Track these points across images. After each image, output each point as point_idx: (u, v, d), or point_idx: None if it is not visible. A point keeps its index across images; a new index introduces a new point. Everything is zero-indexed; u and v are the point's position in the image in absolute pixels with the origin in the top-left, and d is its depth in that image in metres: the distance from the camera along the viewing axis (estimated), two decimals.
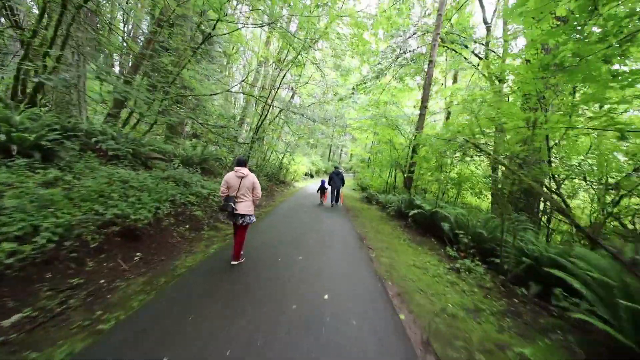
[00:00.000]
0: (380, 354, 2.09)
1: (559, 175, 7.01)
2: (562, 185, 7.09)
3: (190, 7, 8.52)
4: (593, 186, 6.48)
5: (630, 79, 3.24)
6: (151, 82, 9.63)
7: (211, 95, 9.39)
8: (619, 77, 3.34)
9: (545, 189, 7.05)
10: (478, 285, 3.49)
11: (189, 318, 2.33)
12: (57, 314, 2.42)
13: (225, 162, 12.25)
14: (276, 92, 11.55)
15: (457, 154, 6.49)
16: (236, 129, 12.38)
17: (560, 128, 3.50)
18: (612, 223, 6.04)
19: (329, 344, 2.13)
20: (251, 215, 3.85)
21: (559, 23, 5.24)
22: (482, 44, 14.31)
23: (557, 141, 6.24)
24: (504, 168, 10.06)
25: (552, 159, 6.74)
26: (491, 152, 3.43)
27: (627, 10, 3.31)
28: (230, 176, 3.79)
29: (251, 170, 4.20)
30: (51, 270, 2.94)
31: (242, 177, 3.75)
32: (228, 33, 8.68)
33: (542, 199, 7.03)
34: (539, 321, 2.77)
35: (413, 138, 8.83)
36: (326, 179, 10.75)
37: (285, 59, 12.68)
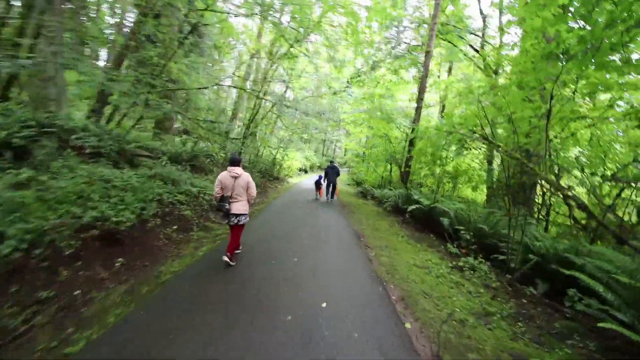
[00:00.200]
0: None
1: (558, 168, 6.90)
2: (560, 178, 7.00)
3: None
4: (589, 179, 6.38)
5: None
6: (136, 76, 9.19)
7: (200, 88, 8.97)
8: (634, 63, 3.15)
9: (545, 182, 6.96)
10: (484, 285, 3.32)
11: (169, 336, 2.08)
12: (20, 335, 2.15)
13: (216, 159, 11.88)
14: (268, 85, 11.17)
15: (455, 147, 6.30)
16: (227, 124, 11.99)
17: (569, 119, 3.31)
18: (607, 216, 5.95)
19: None
20: (245, 215, 3.77)
21: (561, 11, 5.03)
22: (478, 35, 14.13)
23: (555, 134, 6.10)
24: (499, 161, 9.98)
25: (550, 151, 6.62)
26: (500, 144, 3.23)
27: None
28: (224, 176, 3.73)
29: (244, 167, 4.06)
30: (18, 282, 2.64)
31: (236, 177, 3.68)
32: (216, 23, 8.24)
33: (544, 191, 6.88)
34: (554, 325, 2.60)
35: (410, 131, 8.62)
36: (322, 174, 10.60)
37: (277, 52, 12.26)
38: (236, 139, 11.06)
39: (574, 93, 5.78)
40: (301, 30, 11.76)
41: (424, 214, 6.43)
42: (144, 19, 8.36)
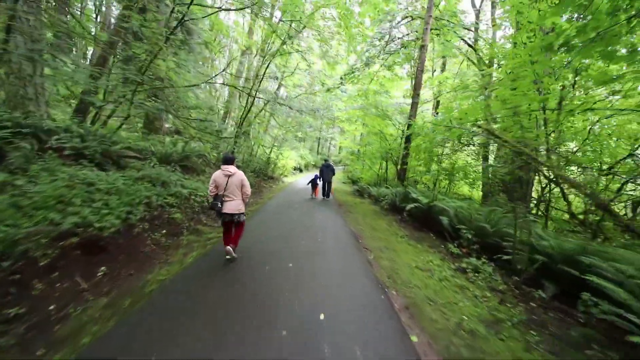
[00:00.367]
0: None
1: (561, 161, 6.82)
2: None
3: None
4: (586, 173, 6.32)
5: None
6: (123, 74, 8.84)
7: (188, 87, 8.66)
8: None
9: (543, 177, 6.87)
10: (490, 289, 3.16)
11: (151, 358, 1.87)
12: None
13: (209, 159, 11.58)
14: (260, 82, 10.90)
15: (452, 143, 6.15)
16: (219, 123, 11.69)
17: (577, 111, 3.17)
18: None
19: None
20: (241, 213, 3.78)
21: (557, 2, 4.91)
22: (471, 30, 14.04)
23: (557, 127, 6.00)
24: (493, 157, 9.91)
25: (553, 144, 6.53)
26: (508, 139, 3.08)
27: None
28: (217, 175, 3.71)
29: (237, 167, 4.00)
30: None
31: (229, 176, 3.67)
32: (205, 17, 7.93)
33: (543, 186, 6.78)
34: (569, 332, 2.45)
35: (406, 127, 8.46)
36: (317, 173, 10.60)
37: (270, 49, 11.97)
38: (228, 137, 10.77)
39: (573, 86, 5.69)
40: (293, 26, 11.53)
41: (422, 212, 6.28)
42: (128, 12, 8.01)
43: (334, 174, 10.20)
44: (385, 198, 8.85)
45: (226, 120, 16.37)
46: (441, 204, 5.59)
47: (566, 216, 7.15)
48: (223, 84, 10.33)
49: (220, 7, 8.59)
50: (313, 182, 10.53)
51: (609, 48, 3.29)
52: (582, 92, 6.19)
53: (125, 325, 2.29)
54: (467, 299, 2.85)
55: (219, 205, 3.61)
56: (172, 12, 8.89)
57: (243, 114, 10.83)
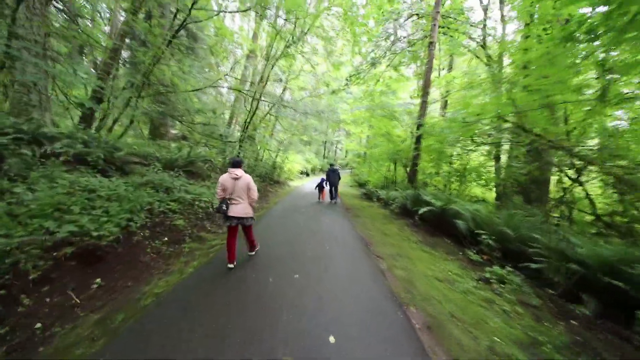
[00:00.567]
0: None
1: (579, 162, 6.41)
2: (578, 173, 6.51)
3: None
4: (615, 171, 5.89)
5: None
6: (127, 80, 8.82)
7: (192, 91, 8.57)
8: None
9: (566, 177, 6.46)
10: (521, 303, 2.83)
11: None
12: None
13: (215, 164, 11.46)
14: (264, 85, 10.77)
15: (465, 142, 5.82)
16: (223, 128, 11.60)
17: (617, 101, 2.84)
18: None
19: None
20: (249, 217, 3.79)
21: None
22: (479, 27, 13.69)
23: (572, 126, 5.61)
24: (506, 156, 9.47)
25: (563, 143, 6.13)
26: (540, 134, 2.77)
27: None
28: (224, 178, 3.70)
29: (244, 172, 3.92)
30: None
31: (236, 179, 3.66)
32: (207, 20, 7.84)
33: (564, 187, 6.37)
34: None
35: (416, 128, 8.16)
36: (324, 177, 10.68)
37: (275, 54, 11.86)
38: (232, 142, 10.64)
39: (596, 78, 5.32)
40: (297, 27, 11.43)
41: (436, 216, 5.95)
42: (134, 18, 8.00)
43: (340, 178, 10.29)
44: (394, 201, 8.53)
45: (232, 125, 16.31)
46: (456, 206, 5.26)
47: (588, 217, 6.72)
48: (227, 87, 10.23)
49: (223, 10, 8.50)
50: (320, 186, 10.69)
51: None
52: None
53: (112, 348, 2.06)
54: (497, 316, 2.52)
55: (224, 208, 3.59)
56: (175, 16, 8.85)
57: (248, 117, 10.70)
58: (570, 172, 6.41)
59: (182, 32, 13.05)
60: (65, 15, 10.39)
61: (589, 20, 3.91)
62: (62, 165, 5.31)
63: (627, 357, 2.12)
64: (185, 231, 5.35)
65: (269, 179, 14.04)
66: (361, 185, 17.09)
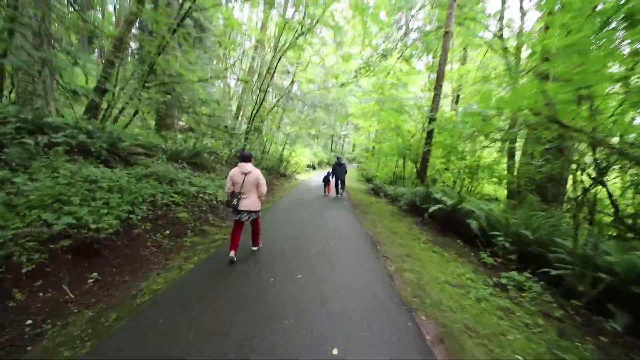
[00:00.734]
0: None
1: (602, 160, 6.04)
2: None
3: None
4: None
5: None
6: (134, 68, 8.71)
7: (197, 81, 8.40)
8: None
9: (587, 176, 6.09)
10: (542, 314, 2.59)
11: None
12: None
13: (220, 156, 11.36)
14: (272, 76, 10.53)
15: (481, 138, 5.51)
16: (230, 119, 11.44)
17: None
18: None
19: None
20: (256, 211, 3.83)
21: None
22: (495, 18, 13.07)
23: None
24: (519, 155, 9.03)
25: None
26: (581, 129, 2.48)
27: None
28: (234, 172, 3.73)
29: None
30: None
31: (246, 174, 3.67)
32: (213, 6, 7.60)
33: (584, 187, 6.01)
34: None
35: (428, 122, 7.82)
36: (330, 171, 10.51)
37: (283, 46, 11.57)
38: (238, 134, 10.48)
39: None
40: (307, 20, 11.12)
41: (446, 214, 5.70)
42: (139, 6, 7.81)
43: (346, 172, 10.14)
44: (403, 198, 8.27)
45: (239, 118, 16.17)
46: (469, 205, 4.99)
47: (606, 219, 6.36)
48: (234, 78, 10.03)
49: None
50: (326, 180, 10.57)
51: None
52: None
53: (102, 350, 1.94)
54: (516, 328, 2.30)
55: (234, 202, 3.62)
56: (181, 5, 8.64)
57: (254, 109, 10.51)
58: (592, 171, 6.04)
59: (190, 22, 12.86)
60: (72, 4, 10.30)
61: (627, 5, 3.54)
62: (65, 155, 5.25)
63: None
64: (188, 224, 5.25)
65: (276, 172, 13.90)
66: (368, 180, 16.82)
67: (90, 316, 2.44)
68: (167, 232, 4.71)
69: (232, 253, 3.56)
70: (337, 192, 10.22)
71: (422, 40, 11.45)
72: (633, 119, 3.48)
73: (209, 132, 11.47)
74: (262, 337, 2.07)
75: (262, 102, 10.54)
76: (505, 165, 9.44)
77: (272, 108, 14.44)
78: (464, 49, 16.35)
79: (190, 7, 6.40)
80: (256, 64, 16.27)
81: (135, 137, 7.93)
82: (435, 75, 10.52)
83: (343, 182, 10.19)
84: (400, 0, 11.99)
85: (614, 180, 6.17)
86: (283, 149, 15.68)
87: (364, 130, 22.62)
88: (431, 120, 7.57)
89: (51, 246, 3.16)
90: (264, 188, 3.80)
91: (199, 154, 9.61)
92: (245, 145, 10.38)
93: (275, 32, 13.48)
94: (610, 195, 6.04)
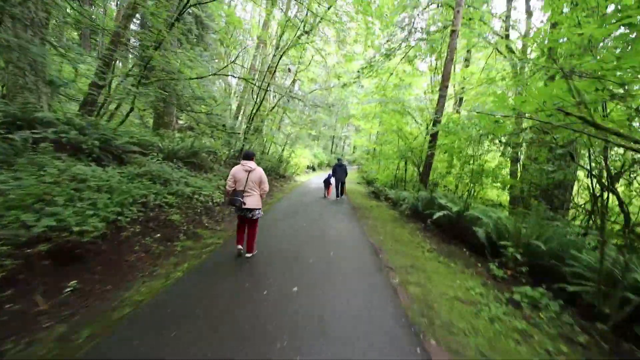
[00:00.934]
0: None
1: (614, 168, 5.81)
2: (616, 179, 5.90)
3: None
4: None
5: None
6: (130, 65, 8.50)
7: (196, 79, 8.19)
8: None
9: (597, 184, 5.86)
10: (563, 338, 2.33)
11: None
12: None
13: (219, 156, 11.14)
14: (272, 74, 10.32)
15: (490, 141, 5.27)
16: (227, 118, 11.21)
17: None
18: None
19: None
20: (259, 209, 3.84)
21: None
22: (501, 19, 12.87)
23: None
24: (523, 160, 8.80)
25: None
26: (620, 130, 2.26)
27: None
28: (237, 170, 3.73)
29: None
30: None
31: (249, 171, 3.70)
32: (212, 0, 7.38)
33: (595, 194, 5.79)
34: None
35: (432, 124, 7.58)
36: (330, 173, 10.40)
37: (285, 45, 11.36)
38: (236, 133, 10.26)
39: None
40: (310, 18, 10.93)
41: (451, 221, 5.45)
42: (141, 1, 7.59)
43: (346, 174, 10.05)
44: (404, 202, 8.03)
45: (239, 117, 15.95)
46: (476, 212, 4.75)
47: (614, 227, 6.14)
48: (233, 76, 9.81)
49: None
50: (326, 182, 10.48)
51: None
52: None
53: None
54: (536, 356, 2.04)
55: (241, 200, 3.61)
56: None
57: (254, 108, 10.29)
58: (603, 179, 5.83)
59: (191, 19, 12.65)
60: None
61: None
62: (54, 152, 5.02)
63: None
64: (181, 227, 5.01)
65: (275, 173, 13.68)
66: (369, 182, 16.58)
67: (61, 332, 2.19)
68: (158, 235, 4.47)
69: (239, 246, 3.83)
70: (337, 195, 10.08)
71: (426, 41, 11.22)
72: None
73: (208, 132, 11.25)
74: None
75: (262, 101, 10.32)
76: (508, 170, 9.22)
77: (273, 108, 14.23)
78: (468, 51, 16.13)
79: (189, 1, 6.16)
80: (257, 63, 16.06)
81: (130, 134, 7.70)
82: (439, 77, 10.30)
83: (343, 184, 10.10)
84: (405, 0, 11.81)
85: (619, 187, 5.96)
86: (283, 150, 15.46)
87: (365, 132, 22.41)
88: (436, 122, 7.34)
89: (27, 251, 2.92)
90: (266, 186, 3.86)
91: (196, 153, 9.38)
92: (243, 145, 10.16)
93: (278, 30, 13.30)
94: (621, 203, 5.81)
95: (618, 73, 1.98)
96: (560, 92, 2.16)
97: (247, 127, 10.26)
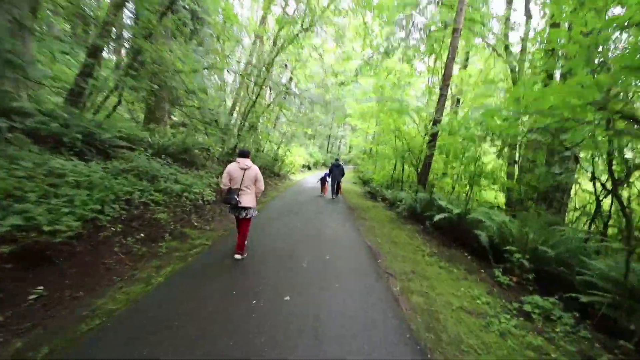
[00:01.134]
0: None
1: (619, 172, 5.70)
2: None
3: None
4: None
5: None
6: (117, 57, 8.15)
7: (188, 72, 7.87)
8: None
9: (600, 186, 5.74)
10: (583, 357, 2.13)
11: None
12: None
13: (212, 152, 10.82)
14: (268, 70, 10.03)
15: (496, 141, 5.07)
16: (222, 114, 10.88)
17: None
18: None
19: None
20: (253, 208, 3.78)
21: None
22: (500, 21, 12.79)
23: None
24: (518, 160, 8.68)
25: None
26: None
27: None
28: (233, 168, 3.66)
29: None
30: None
31: (245, 169, 3.65)
32: None
33: (598, 195, 5.67)
34: None
35: (432, 124, 7.39)
36: (327, 172, 10.35)
37: (283, 43, 11.08)
38: (230, 129, 9.95)
39: None
40: (308, 16, 10.69)
41: (451, 223, 5.26)
42: None
43: (343, 175, 9.98)
44: (402, 203, 7.83)
45: (234, 114, 15.61)
46: (478, 215, 4.56)
47: (612, 230, 6.05)
48: (228, 69, 9.51)
49: None
50: (322, 181, 10.50)
51: None
52: None
53: None
54: None
55: (236, 199, 3.52)
56: None
57: (248, 104, 10.00)
58: (606, 182, 5.72)
59: (187, 13, 12.26)
60: None
61: None
62: (31, 145, 4.69)
63: None
64: (167, 226, 4.71)
65: (270, 172, 13.41)
66: (365, 182, 16.39)
67: (16, 348, 1.91)
68: (142, 235, 4.17)
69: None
70: (333, 194, 9.98)
71: (426, 39, 11.06)
72: None
73: (202, 128, 10.92)
74: None
75: (257, 98, 10.03)
76: (505, 172, 9.11)
77: (269, 105, 13.93)
78: (467, 52, 16.06)
79: None
80: (254, 59, 15.72)
81: (118, 128, 7.34)
82: (437, 78, 10.14)
83: (339, 184, 10.02)
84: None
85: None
86: (278, 148, 15.18)
87: (362, 131, 22.22)
88: (436, 122, 7.15)
89: None
90: (261, 184, 3.81)
91: (188, 149, 9.06)
92: (237, 142, 9.86)
93: (275, 27, 13.01)
94: (622, 207, 5.68)
95: None
96: (574, 90, 1.95)
97: (241, 123, 9.96)
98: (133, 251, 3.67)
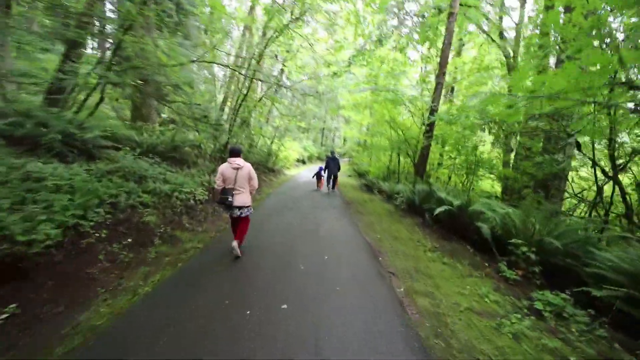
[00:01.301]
0: None
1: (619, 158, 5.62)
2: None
3: None
4: None
5: None
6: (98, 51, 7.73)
7: (173, 66, 7.51)
8: None
9: (602, 174, 5.65)
10: (603, 359, 2.01)
11: None
12: None
13: (203, 150, 10.51)
14: (259, 60, 9.68)
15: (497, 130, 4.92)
16: (212, 109, 10.54)
17: None
18: None
19: None
20: (249, 206, 3.75)
21: None
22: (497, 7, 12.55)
23: None
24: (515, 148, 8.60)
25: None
26: None
27: None
28: (225, 168, 3.58)
29: None
30: None
31: (237, 169, 3.56)
32: None
33: (600, 183, 5.60)
34: None
35: (429, 113, 7.20)
36: (322, 166, 10.28)
37: (273, 33, 10.69)
38: (220, 125, 9.63)
39: None
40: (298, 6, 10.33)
41: (452, 215, 5.13)
42: None
43: (339, 168, 9.87)
44: (400, 195, 7.69)
45: (224, 109, 15.21)
46: (480, 206, 4.43)
47: (611, 216, 6.02)
48: (216, 63, 9.12)
49: None
50: (318, 175, 10.35)
51: None
52: None
53: None
54: None
55: (230, 199, 3.46)
56: None
57: (238, 98, 9.67)
58: (607, 168, 5.65)
59: (171, 5, 11.71)
60: None
61: None
62: (5, 148, 4.39)
63: None
64: (157, 230, 4.49)
65: (264, 167, 13.16)
66: (360, 175, 16.24)
67: None
68: (129, 240, 3.95)
69: (234, 243, 3.58)
70: (330, 188, 9.86)
71: (421, 25, 10.78)
72: None
73: (191, 124, 10.57)
74: None
75: (248, 91, 9.69)
76: (501, 161, 9.03)
77: (260, 99, 13.56)
78: (460, 39, 15.82)
79: None
80: (244, 51, 15.23)
81: (103, 127, 7.00)
82: (430, 67, 9.89)
83: (335, 177, 9.87)
84: None
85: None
86: (271, 143, 14.90)
87: (356, 123, 21.96)
88: (433, 111, 6.97)
89: None
90: (255, 182, 3.79)
91: (177, 147, 8.75)
92: (229, 138, 9.56)
93: (265, 17, 12.56)
94: (623, 193, 5.62)
95: None
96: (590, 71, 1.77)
97: (232, 118, 9.64)
98: (119, 258, 3.45)
